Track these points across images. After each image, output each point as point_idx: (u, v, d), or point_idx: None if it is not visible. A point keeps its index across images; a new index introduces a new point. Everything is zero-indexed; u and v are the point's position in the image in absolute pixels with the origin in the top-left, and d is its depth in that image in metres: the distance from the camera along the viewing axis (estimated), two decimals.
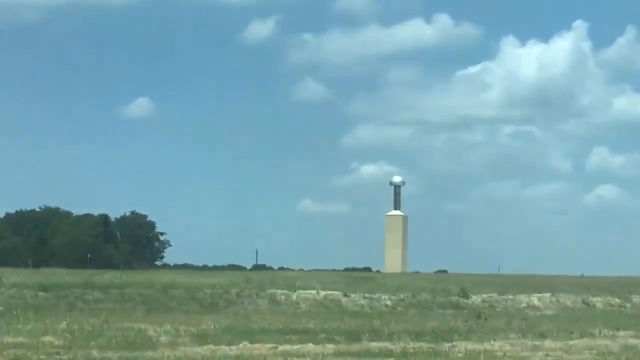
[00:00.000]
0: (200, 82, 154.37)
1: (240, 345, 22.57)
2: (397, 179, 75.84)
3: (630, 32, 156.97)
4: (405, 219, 74.64)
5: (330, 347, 22.46)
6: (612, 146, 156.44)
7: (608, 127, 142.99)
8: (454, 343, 23.98)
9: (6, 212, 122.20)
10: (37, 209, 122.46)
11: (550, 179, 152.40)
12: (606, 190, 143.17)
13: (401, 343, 23.71)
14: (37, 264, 72.89)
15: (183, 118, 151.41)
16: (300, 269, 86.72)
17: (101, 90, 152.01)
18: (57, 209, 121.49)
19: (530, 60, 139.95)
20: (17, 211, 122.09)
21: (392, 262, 71.91)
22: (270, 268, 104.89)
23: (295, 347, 22.46)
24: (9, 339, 23.17)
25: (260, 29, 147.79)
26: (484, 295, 46.84)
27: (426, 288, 47.25)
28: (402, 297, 44.48)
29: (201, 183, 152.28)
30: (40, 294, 39.26)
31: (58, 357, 19.88)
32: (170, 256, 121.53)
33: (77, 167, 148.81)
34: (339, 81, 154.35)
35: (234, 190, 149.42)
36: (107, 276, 44.90)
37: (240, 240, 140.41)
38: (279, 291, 43.23)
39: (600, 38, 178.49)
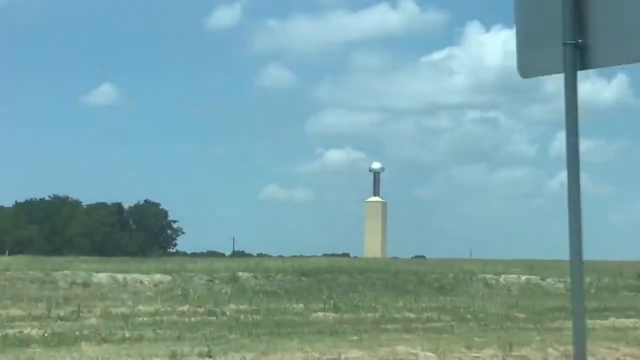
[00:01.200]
0: (165, 68, 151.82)
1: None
2: (376, 165, 74.12)
3: None
4: (384, 205, 71.66)
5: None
6: None
7: None
8: None
9: (15, 201, 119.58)
10: (47, 198, 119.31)
11: (515, 164, 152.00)
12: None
13: None
14: (51, 253, 70.28)
15: (147, 106, 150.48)
16: (280, 255, 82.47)
17: (65, 80, 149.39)
18: (66, 198, 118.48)
19: (495, 46, 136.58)
20: (26, 200, 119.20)
21: (371, 248, 68.78)
22: (250, 255, 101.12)
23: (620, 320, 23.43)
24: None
25: (225, 15, 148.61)
26: None
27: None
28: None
29: (166, 169, 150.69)
30: (303, 278, 37.64)
31: None
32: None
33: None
34: (305, 67, 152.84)
35: (201, 176, 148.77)
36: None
37: (214, 226, 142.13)
38: (487, 275, 41.52)
39: None
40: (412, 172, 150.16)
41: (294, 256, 72.78)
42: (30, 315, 23.30)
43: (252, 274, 37.23)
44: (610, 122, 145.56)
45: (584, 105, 5.09)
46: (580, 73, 5.26)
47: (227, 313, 25.01)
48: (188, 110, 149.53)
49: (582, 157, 5.16)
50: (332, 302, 28.20)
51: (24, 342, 16.86)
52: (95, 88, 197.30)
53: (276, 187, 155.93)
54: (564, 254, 5.31)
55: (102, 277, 35.81)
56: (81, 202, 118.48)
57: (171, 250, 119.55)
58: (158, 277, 36.25)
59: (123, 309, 25.43)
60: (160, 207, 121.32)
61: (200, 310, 25.83)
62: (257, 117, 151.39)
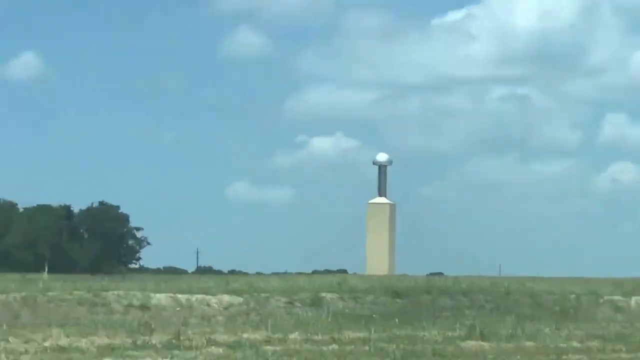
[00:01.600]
0: (102, 32, 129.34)
1: None
2: (382, 157, 63.85)
3: None
4: (392, 207, 63.24)
5: None
6: (630, 112, 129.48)
7: (625, 89, 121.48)
8: None
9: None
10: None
11: (553, 156, 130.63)
12: (622, 170, 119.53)
13: None
14: None
15: (79, 79, 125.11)
16: (259, 273, 74.13)
17: None
18: None
19: (528, 5, 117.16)
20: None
21: (376, 262, 60.96)
22: (219, 272, 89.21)
23: None
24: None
25: None
26: None
27: None
28: None
29: (106, 159, 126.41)
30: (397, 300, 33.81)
31: None
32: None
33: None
34: (284, 32, 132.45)
35: (151, 168, 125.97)
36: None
37: (172, 236, 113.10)
38: (614, 297, 37.19)
39: None
40: (420, 166, 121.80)
41: (278, 273, 64.24)
42: (128, 343, 21.11)
43: (336, 294, 33.56)
44: None
45: None
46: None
47: (343, 340, 22.76)
48: (134, 85, 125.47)
49: None
50: (476, 328, 25.19)
51: None
52: (15, 58, 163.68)
53: (246, 185, 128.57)
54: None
55: (161, 298, 32.02)
56: (16, 204, 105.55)
57: (133, 265, 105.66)
58: (226, 298, 32.46)
59: (220, 336, 23.10)
60: (120, 211, 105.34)
61: (318, 338, 23.27)
62: (222, 95, 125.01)
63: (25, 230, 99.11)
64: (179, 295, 31.46)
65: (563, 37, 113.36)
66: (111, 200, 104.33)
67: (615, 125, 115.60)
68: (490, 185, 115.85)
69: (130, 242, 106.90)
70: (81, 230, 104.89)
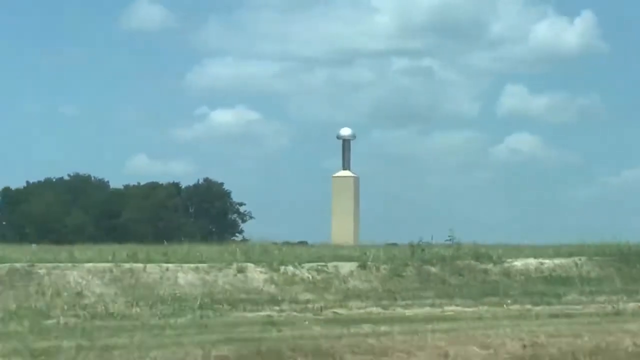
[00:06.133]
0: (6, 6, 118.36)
1: None
2: (345, 131, 64.59)
3: None
4: (356, 180, 63.22)
5: None
6: (529, 84, 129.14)
7: (525, 61, 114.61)
8: None
9: (27, 181, 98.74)
10: (67, 177, 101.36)
11: (454, 127, 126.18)
12: (520, 140, 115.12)
13: None
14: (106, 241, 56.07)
15: None
16: None
17: None
18: (88, 177, 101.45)
19: None
20: (47, 179, 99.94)
21: (341, 233, 60.21)
22: None
23: None
24: None
25: None
26: None
27: None
28: None
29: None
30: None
31: None
32: None
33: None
34: (184, 3, 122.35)
35: (46, 144, 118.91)
36: None
37: None
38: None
39: None
40: (321, 138, 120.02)
41: None
42: None
43: None
44: None
45: None
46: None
47: None
48: (27, 58, 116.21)
49: None
50: None
51: None
52: None
53: (145, 158, 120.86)
54: None
55: None
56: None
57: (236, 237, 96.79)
58: None
59: None
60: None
61: None
62: (120, 67, 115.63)
63: (140, 207, 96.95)
64: None
65: (464, 9, 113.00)
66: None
67: (514, 97, 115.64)
68: (394, 157, 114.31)
69: (233, 216, 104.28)
70: (189, 206, 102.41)
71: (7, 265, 24.89)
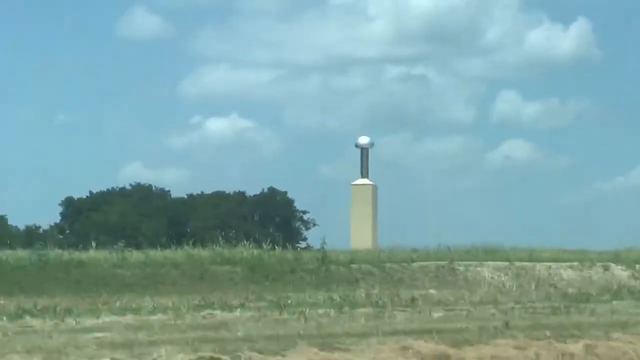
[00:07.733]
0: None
1: None
2: (363, 140, 65.77)
3: None
4: (374, 188, 65.25)
5: None
6: (523, 90, 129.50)
7: (518, 67, 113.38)
8: None
9: (90, 191, 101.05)
10: (128, 187, 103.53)
11: (448, 134, 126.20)
12: (514, 147, 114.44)
13: None
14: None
15: None
16: None
17: None
18: (149, 186, 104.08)
19: None
20: (108, 189, 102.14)
21: (360, 239, 62.43)
22: None
23: None
24: None
25: None
26: None
27: None
28: None
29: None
30: None
31: None
32: None
33: None
34: (179, 12, 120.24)
35: (43, 150, 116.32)
36: None
37: None
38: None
39: None
40: (316, 145, 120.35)
41: None
42: None
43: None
44: None
45: None
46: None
47: None
48: (22, 65, 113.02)
49: None
50: None
51: None
52: None
53: (140, 166, 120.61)
54: None
55: None
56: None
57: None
58: None
59: None
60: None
61: None
62: (117, 76, 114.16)
63: (208, 215, 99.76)
64: None
65: (458, 16, 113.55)
66: None
67: (508, 103, 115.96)
68: (387, 162, 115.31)
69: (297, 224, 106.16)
70: (254, 214, 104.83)
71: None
